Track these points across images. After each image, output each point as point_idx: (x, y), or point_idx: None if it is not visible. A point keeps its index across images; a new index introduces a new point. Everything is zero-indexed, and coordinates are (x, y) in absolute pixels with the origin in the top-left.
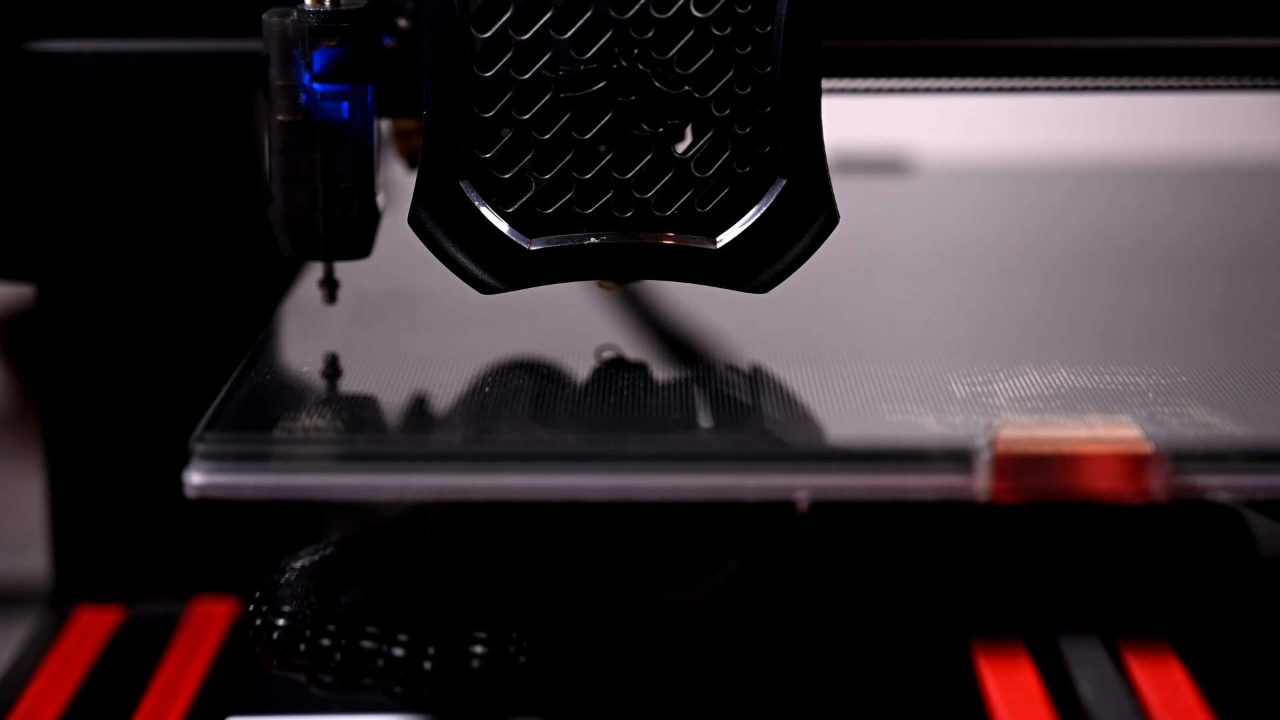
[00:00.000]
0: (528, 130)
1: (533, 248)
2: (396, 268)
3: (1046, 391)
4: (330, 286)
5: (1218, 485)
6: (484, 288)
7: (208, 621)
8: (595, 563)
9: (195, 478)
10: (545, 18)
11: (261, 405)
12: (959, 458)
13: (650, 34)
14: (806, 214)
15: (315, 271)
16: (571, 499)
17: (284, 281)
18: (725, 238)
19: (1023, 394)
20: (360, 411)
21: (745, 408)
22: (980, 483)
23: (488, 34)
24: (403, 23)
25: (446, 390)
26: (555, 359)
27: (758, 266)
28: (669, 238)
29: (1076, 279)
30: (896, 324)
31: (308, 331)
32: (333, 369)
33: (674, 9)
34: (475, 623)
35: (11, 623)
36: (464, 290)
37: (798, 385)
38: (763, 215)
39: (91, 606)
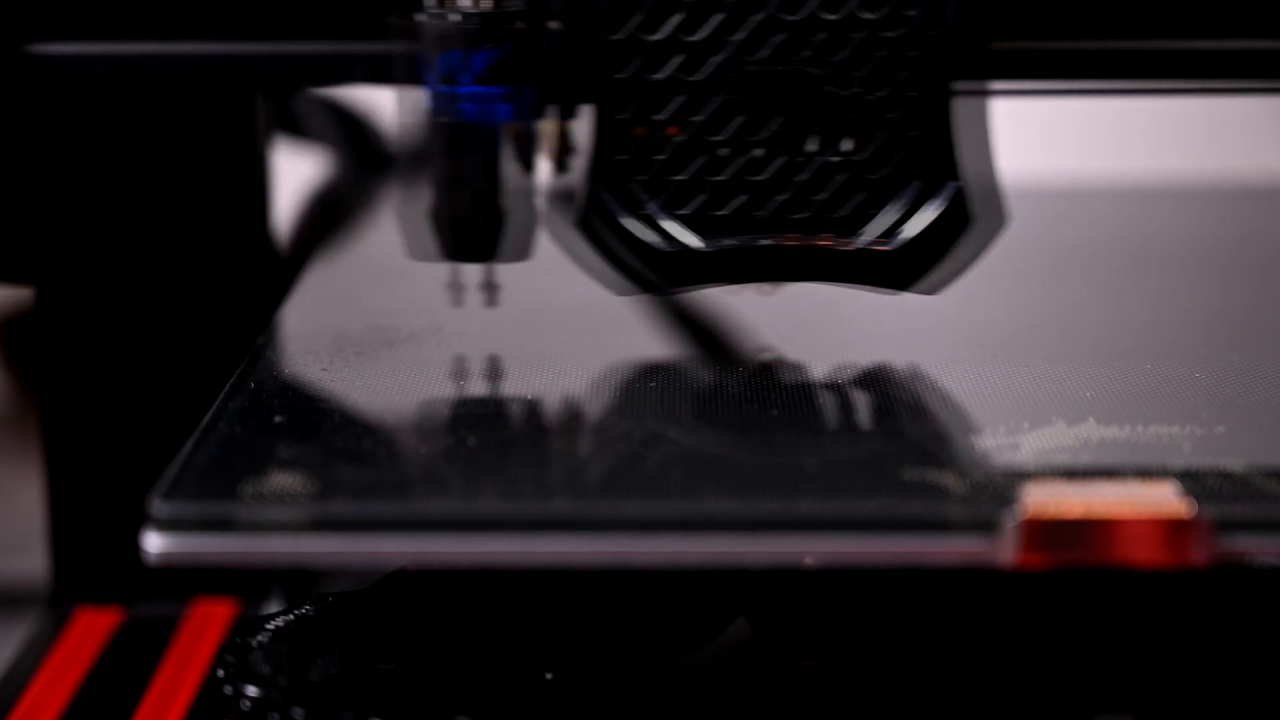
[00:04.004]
0: (699, 133)
1: (704, 250)
2: (390, 294)
3: (1074, 443)
4: (490, 291)
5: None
6: (652, 289)
7: (208, 622)
8: (590, 628)
9: (154, 544)
10: (716, 21)
11: (228, 463)
12: (982, 526)
13: (821, 36)
14: (977, 216)
15: (312, 281)
16: (562, 567)
17: (284, 281)
18: (898, 240)
19: (1049, 445)
20: (335, 469)
21: (749, 458)
22: (1006, 553)
23: (657, 37)
24: (554, 25)
25: (431, 438)
26: (553, 409)
27: (929, 269)
28: (843, 241)
29: (1097, 315)
30: (913, 359)
31: (292, 365)
32: (311, 414)
33: (844, 11)
34: (458, 702)
35: (11, 623)
36: (460, 321)
37: (806, 431)
38: (935, 218)
39: (91, 607)
